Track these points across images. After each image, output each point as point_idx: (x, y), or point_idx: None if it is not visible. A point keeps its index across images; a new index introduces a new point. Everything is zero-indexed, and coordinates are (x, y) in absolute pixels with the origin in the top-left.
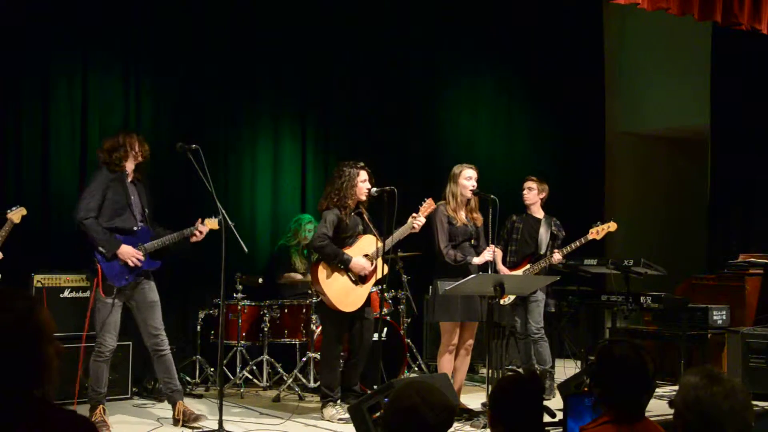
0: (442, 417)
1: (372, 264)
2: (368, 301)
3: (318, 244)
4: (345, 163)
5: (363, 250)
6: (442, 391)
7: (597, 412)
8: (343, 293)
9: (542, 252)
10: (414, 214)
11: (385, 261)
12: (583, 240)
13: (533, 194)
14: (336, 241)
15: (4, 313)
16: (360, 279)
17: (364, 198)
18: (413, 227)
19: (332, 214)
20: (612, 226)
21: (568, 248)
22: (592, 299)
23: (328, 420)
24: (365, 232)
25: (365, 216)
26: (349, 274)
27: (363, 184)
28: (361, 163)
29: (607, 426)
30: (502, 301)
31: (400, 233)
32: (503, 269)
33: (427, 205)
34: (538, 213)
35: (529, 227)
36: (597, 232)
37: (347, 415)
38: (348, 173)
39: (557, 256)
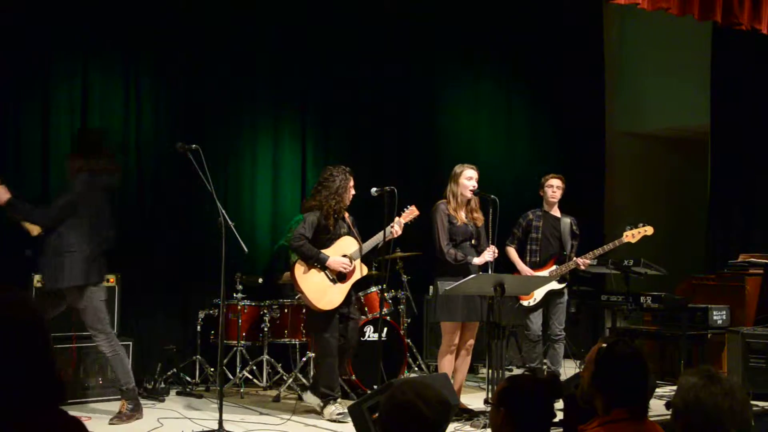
0: (439, 412)
1: (351, 264)
2: (349, 300)
3: (295, 244)
4: (335, 168)
5: (342, 250)
6: (437, 388)
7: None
8: (320, 291)
9: (566, 252)
10: (397, 219)
11: (384, 261)
12: (617, 242)
13: (560, 192)
14: (316, 242)
15: (24, 315)
16: (338, 278)
17: (348, 203)
18: (391, 233)
19: (313, 215)
20: (649, 230)
21: (600, 251)
22: (592, 299)
23: (328, 419)
24: (348, 234)
25: (348, 219)
26: (326, 272)
27: (351, 190)
28: (349, 168)
29: (608, 426)
30: (524, 302)
31: (378, 238)
32: (526, 269)
33: (409, 212)
34: (556, 211)
35: (549, 226)
36: (633, 236)
37: (345, 410)
38: (342, 178)
39: (586, 261)
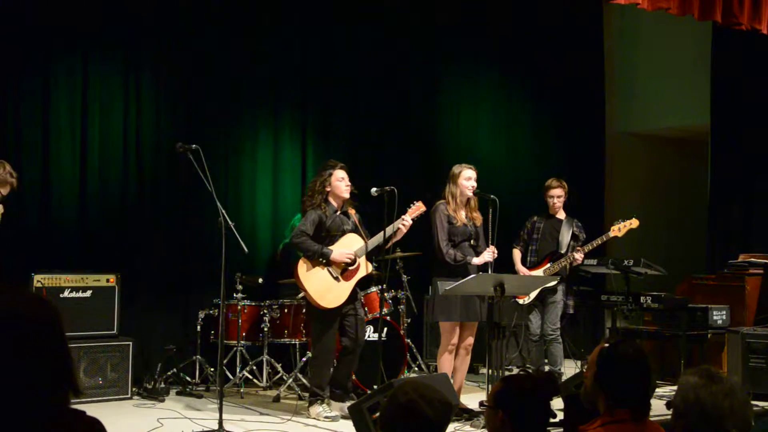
0: (440, 413)
1: (356, 261)
2: (354, 297)
3: (296, 240)
4: (325, 163)
5: (345, 248)
6: (438, 388)
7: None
8: (324, 289)
9: (562, 252)
10: (403, 216)
11: (384, 261)
12: (604, 237)
13: (561, 201)
14: (318, 240)
15: (43, 312)
16: (342, 276)
17: (346, 196)
18: (399, 228)
19: (314, 213)
20: (634, 222)
21: (589, 246)
22: (592, 299)
23: (314, 418)
24: (354, 231)
25: (354, 217)
26: (330, 270)
27: (340, 183)
28: (341, 164)
29: (608, 426)
30: (520, 301)
31: (381, 236)
32: (523, 269)
33: (416, 208)
34: (560, 214)
35: (550, 227)
36: (618, 230)
37: (334, 413)
38: (326, 173)
39: (579, 255)
